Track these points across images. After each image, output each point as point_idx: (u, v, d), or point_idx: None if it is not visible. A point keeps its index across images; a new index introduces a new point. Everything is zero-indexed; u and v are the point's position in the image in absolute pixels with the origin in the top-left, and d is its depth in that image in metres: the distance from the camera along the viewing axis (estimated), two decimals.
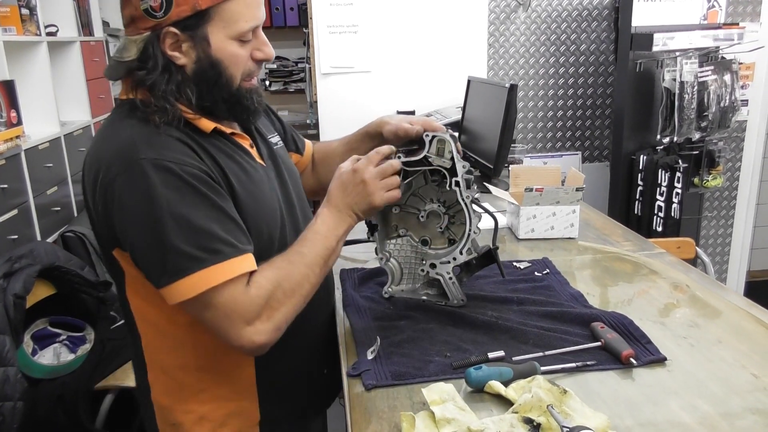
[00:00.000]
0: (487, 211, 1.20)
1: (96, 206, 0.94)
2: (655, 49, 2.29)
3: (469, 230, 1.16)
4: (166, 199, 0.88)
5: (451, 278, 1.20)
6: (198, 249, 0.89)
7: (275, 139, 1.22)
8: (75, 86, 3.17)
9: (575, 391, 0.89)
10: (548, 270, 1.39)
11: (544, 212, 1.59)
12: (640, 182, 2.48)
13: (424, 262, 1.22)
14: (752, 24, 2.74)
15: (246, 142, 1.08)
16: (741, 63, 2.71)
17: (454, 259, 1.19)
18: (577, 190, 1.55)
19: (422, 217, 1.23)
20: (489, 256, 1.22)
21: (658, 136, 2.43)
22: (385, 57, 2.72)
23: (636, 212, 2.51)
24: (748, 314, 1.16)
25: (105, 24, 3.56)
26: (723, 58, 2.65)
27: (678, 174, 2.39)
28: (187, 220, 0.89)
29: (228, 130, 1.04)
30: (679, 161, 2.36)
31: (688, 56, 2.38)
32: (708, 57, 2.57)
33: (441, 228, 1.23)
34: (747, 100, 2.90)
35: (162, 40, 0.93)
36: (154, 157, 0.89)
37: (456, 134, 1.15)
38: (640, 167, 2.44)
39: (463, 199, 1.15)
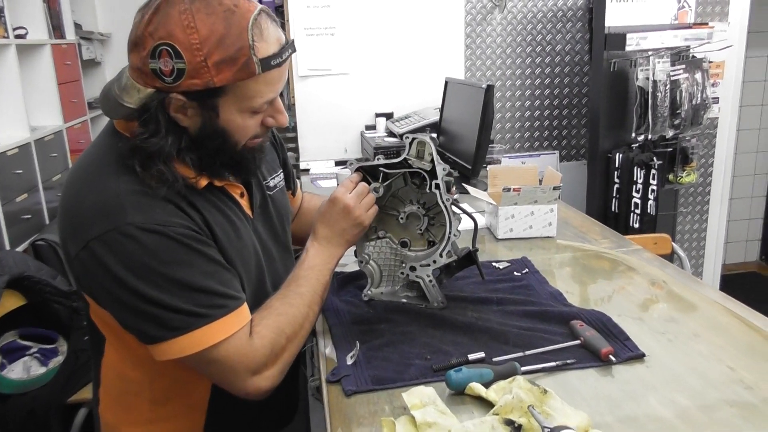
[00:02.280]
0: (466, 212, 1.20)
1: (68, 254, 0.90)
2: (628, 48, 2.32)
3: (449, 233, 1.16)
4: (158, 262, 0.85)
5: (431, 281, 1.20)
6: (198, 306, 0.87)
7: (275, 180, 1.18)
8: (46, 90, 3.11)
9: (556, 390, 0.89)
10: (527, 269, 1.39)
11: (522, 212, 1.60)
12: (616, 180, 2.51)
13: (404, 264, 1.22)
14: (721, 24, 2.79)
15: (237, 192, 1.04)
16: (711, 62, 2.75)
17: (434, 261, 1.18)
18: (554, 189, 1.56)
19: (402, 218, 1.23)
20: (469, 258, 1.22)
21: (633, 134, 2.46)
22: (362, 59, 2.71)
23: (613, 209, 2.54)
24: (723, 308, 1.17)
25: (77, 26, 3.50)
26: (693, 57, 2.69)
27: (653, 171, 2.42)
28: (183, 281, 0.86)
29: (220, 183, 0.99)
30: (654, 158, 2.39)
31: (660, 55, 2.42)
32: (679, 56, 2.61)
33: (420, 230, 1.23)
34: (718, 98, 2.96)
35: (167, 103, 0.87)
36: (142, 221, 0.85)
37: (435, 136, 1.14)
38: (617, 165, 2.47)
39: (443, 202, 1.14)
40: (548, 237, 1.63)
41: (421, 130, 2.48)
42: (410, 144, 1.15)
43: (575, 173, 2.94)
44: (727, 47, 2.61)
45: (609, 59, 2.45)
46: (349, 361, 1.02)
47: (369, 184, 1.18)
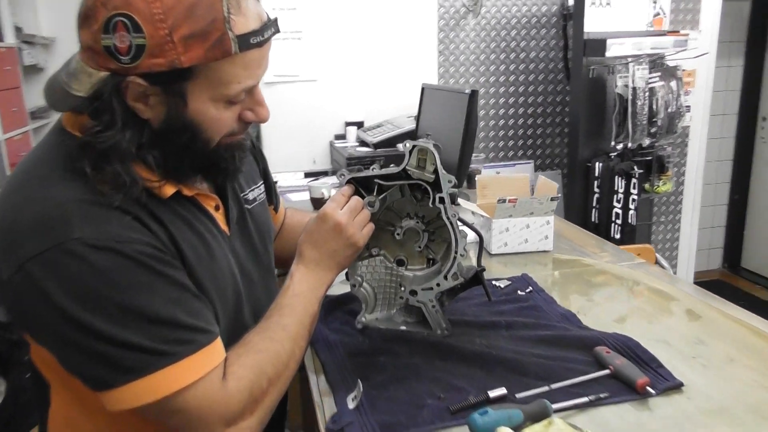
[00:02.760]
0: (472, 228, 1.08)
1: (1, 277, 0.72)
2: (608, 54, 2.26)
3: (456, 252, 1.03)
4: (111, 287, 0.70)
5: (434, 306, 1.07)
6: (160, 342, 0.71)
7: (255, 192, 1.03)
8: None
9: (593, 429, 0.77)
10: (531, 288, 1.28)
11: (518, 224, 1.49)
12: (596, 189, 2.44)
13: (402, 288, 1.08)
14: (693, 32, 2.77)
15: (211, 204, 0.89)
16: (683, 70, 2.73)
17: (438, 285, 1.05)
18: (552, 199, 1.46)
19: (398, 234, 1.09)
20: (474, 279, 1.09)
21: (612, 142, 2.39)
22: (331, 65, 2.58)
23: (593, 220, 2.47)
24: (751, 329, 1.08)
25: (18, 29, 3.24)
26: (667, 65, 2.66)
27: (633, 180, 2.36)
28: (141, 310, 0.71)
29: (190, 192, 0.84)
30: (635, 167, 2.33)
31: (639, 62, 2.37)
32: (654, 64, 2.57)
33: (420, 247, 1.10)
34: (689, 106, 2.94)
35: (124, 88, 0.72)
36: (92, 237, 0.70)
37: (439, 144, 1.01)
38: (596, 174, 2.40)
39: (448, 218, 1.02)
40: (545, 251, 1.52)
41: (395, 139, 2.36)
42: (410, 152, 1.02)
43: None
44: (703, 54, 2.60)
45: (587, 66, 2.39)
46: (351, 405, 0.88)
47: (362, 197, 1.04)
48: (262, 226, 1.03)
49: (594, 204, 2.44)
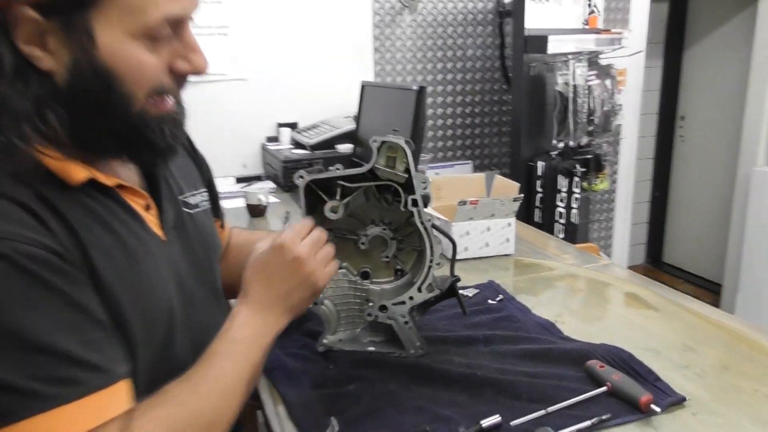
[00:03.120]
0: (445, 234, 0.97)
1: None
2: (549, 51, 2.22)
3: (431, 261, 0.92)
4: None
5: (407, 322, 0.95)
6: (36, 379, 0.55)
7: (197, 198, 0.86)
8: None
9: None
10: (501, 296, 1.18)
11: (478, 228, 1.40)
12: (539, 189, 2.40)
13: (370, 303, 0.96)
14: (624, 31, 2.80)
15: (139, 203, 0.73)
16: (616, 69, 2.76)
17: (411, 298, 0.94)
18: (515, 200, 1.38)
19: (362, 243, 0.97)
20: (450, 290, 0.98)
21: (554, 141, 2.36)
22: (261, 63, 2.41)
23: (537, 220, 2.43)
24: (736, 335, 1.03)
25: None
26: (601, 63, 2.68)
27: (576, 178, 2.34)
28: (17, 334, 0.54)
29: (110, 182, 0.67)
30: (577, 166, 2.31)
31: (579, 60, 2.36)
32: (590, 62, 2.57)
33: (387, 256, 0.98)
34: (621, 105, 2.97)
35: (13, 26, 0.57)
36: None
37: (411, 141, 0.89)
38: (539, 173, 2.36)
39: (422, 223, 0.90)
40: (506, 255, 1.44)
41: (334, 140, 2.22)
42: (379, 149, 0.90)
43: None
44: (638, 53, 2.63)
45: (528, 63, 2.35)
46: None
47: (323, 202, 0.91)
48: (207, 237, 0.87)
49: (537, 204, 2.41)
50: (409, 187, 0.90)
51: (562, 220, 2.38)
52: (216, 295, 0.87)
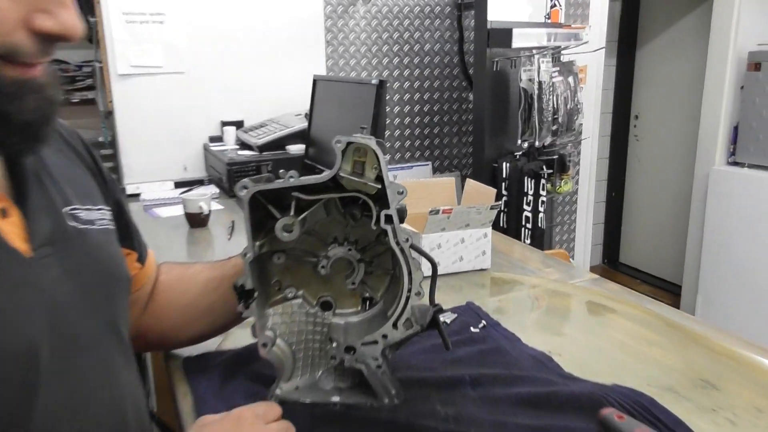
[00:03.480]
0: (425, 255, 0.79)
1: None
2: (514, 45, 2.08)
3: (409, 290, 0.74)
4: None
5: (379, 366, 0.77)
6: None
7: (94, 214, 0.66)
8: None
9: None
10: (484, 321, 1.02)
11: (451, 239, 1.23)
12: (504, 192, 2.26)
13: (334, 344, 0.77)
14: (585, 26, 2.70)
15: None
16: (577, 65, 2.65)
17: (385, 337, 0.75)
18: (492, 208, 1.22)
19: (323, 267, 0.78)
20: (432, 323, 0.81)
21: (519, 140, 2.23)
22: (202, 54, 2.18)
23: (502, 225, 2.29)
24: (758, 363, 0.89)
25: None
26: (562, 60, 2.57)
27: (542, 181, 2.21)
28: None
29: None
30: (544, 167, 2.18)
31: (544, 55, 2.23)
32: (552, 58, 2.46)
33: (354, 283, 0.79)
34: (582, 103, 2.88)
35: None
36: None
37: (382, 142, 0.71)
38: (504, 175, 2.22)
39: (398, 243, 0.72)
40: (482, 270, 1.27)
41: (284, 140, 2.02)
42: (343, 152, 0.71)
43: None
44: (601, 49, 2.53)
45: (491, 58, 2.21)
46: None
47: (273, 218, 0.72)
48: (106, 262, 0.66)
49: (502, 208, 2.27)
50: (380, 198, 0.72)
51: (529, 225, 2.25)
52: (117, 337, 0.66)
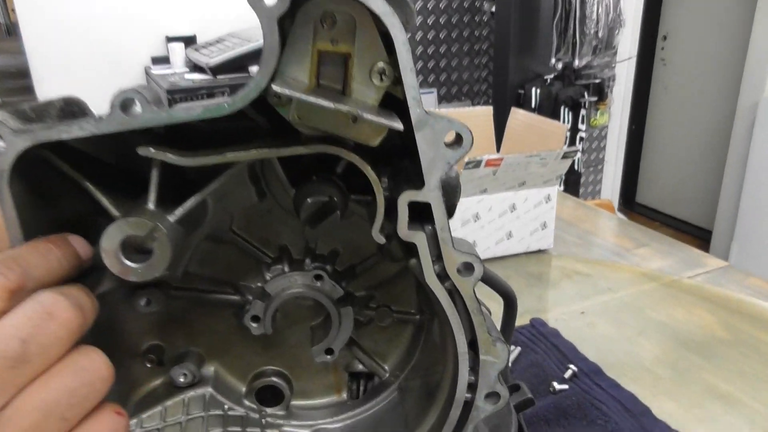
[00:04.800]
0: (502, 291, 0.33)
1: None
2: None
3: (474, 373, 0.29)
4: None
5: None
6: None
7: None
8: None
9: None
10: (572, 367, 0.57)
11: (496, 207, 0.77)
12: None
13: None
14: None
15: None
16: None
17: None
18: (565, 156, 0.75)
19: (254, 319, 0.32)
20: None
21: (552, 60, 1.73)
22: None
23: None
24: None
25: None
26: None
27: (582, 111, 1.73)
28: None
29: None
30: (585, 93, 1.70)
31: None
32: None
33: (331, 349, 0.33)
34: (623, 14, 2.36)
35: None
36: None
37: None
38: (533, 105, 1.73)
39: (443, 275, 0.26)
40: (540, 251, 0.82)
41: (245, 59, 1.53)
42: (282, 21, 0.23)
43: None
44: None
45: None
46: None
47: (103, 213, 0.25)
48: None
49: None
50: (393, 156, 0.26)
51: None
52: None
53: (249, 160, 0.28)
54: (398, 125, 0.24)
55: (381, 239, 0.27)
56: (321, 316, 0.36)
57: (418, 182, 0.26)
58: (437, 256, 0.27)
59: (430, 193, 0.26)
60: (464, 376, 0.30)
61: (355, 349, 0.37)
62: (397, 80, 0.25)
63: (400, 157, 0.28)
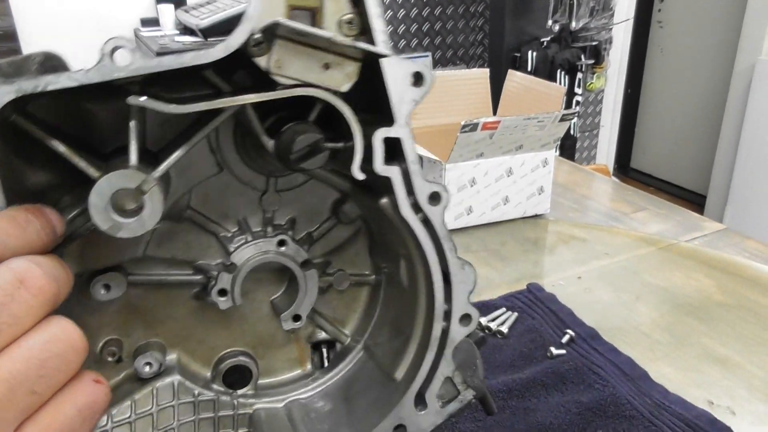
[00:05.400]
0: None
1: None
2: None
3: (447, 317, 0.30)
4: None
5: None
6: None
7: None
8: None
9: None
10: (570, 332, 0.56)
11: (492, 171, 0.76)
12: None
13: None
14: None
15: None
16: None
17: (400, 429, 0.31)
18: (563, 119, 0.73)
19: (221, 292, 0.31)
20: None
21: (549, 21, 1.69)
22: None
23: None
24: None
25: None
26: None
27: (578, 75, 1.71)
28: None
29: None
30: (582, 56, 1.67)
31: None
32: None
33: (299, 317, 0.33)
34: None
35: None
36: None
37: None
38: (529, 68, 1.70)
39: (417, 207, 0.27)
40: (536, 216, 0.81)
41: (236, 20, 1.47)
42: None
43: None
44: None
45: None
46: None
47: (71, 176, 0.25)
48: None
49: None
50: (366, 103, 0.25)
51: None
52: None
53: (237, 106, 0.27)
54: (377, 49, 0.26)
55: (361, 175, 0.27)
56: (281, 289, 0.36)
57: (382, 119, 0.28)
58: (408, 191, 0.29)
59: (401, 129, 0.28)
60: (440, 302, 0.31)
61: (317, 317, 0.37)
62: (364, 29, 0.27)
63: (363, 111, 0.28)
